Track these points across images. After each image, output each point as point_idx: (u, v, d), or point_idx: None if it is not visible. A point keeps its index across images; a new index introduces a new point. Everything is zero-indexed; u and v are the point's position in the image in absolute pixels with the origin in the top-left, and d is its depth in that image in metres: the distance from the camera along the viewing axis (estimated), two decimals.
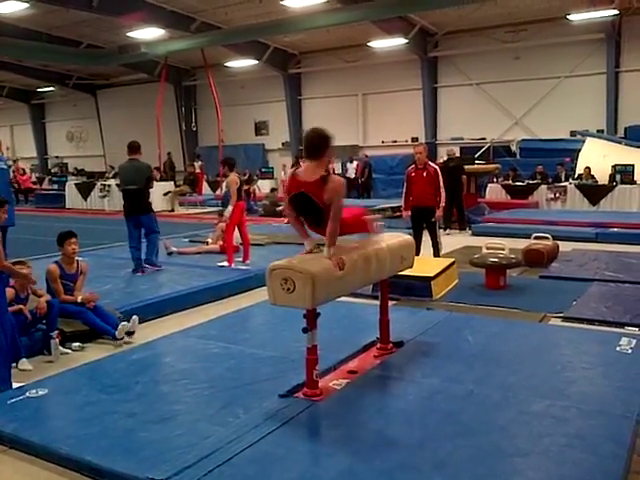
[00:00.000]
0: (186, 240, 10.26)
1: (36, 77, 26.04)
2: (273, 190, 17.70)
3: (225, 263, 7.87)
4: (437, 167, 8.31)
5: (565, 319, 5.80)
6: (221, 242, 9.20)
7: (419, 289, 6.58)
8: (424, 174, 8.03)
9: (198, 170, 20.83)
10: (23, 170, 23.37)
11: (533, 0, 16.23)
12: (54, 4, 16.42)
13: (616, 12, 15.96)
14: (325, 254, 3.76)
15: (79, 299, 5.32)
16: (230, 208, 7.78)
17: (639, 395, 3.75)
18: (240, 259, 8.10)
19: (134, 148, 7.81)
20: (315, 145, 3.74)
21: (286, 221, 7.52)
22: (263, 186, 19.93)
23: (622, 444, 3.12)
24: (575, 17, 16.27)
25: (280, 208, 15.47)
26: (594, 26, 17.15)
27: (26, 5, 15.89)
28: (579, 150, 15.77)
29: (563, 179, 15.47)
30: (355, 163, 19.55)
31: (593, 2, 15.44)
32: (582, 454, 3.06)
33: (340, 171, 19.62)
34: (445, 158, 13.11)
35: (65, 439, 3.31)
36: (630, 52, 17.64)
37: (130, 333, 5.36)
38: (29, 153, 31.24)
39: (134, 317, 5.42)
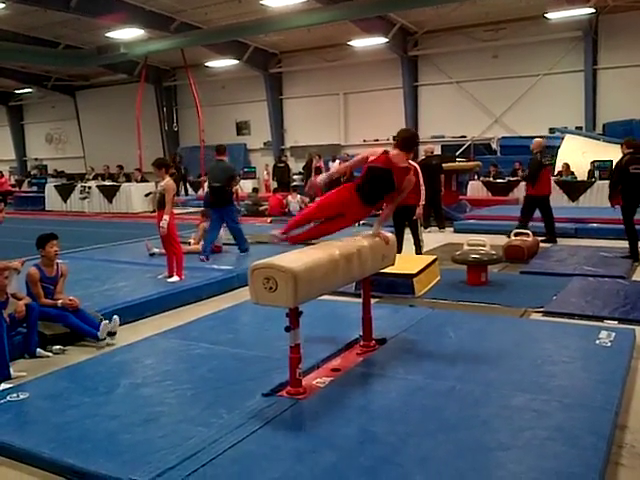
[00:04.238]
0: None
1: (14, 78, 25.71)
2: (255, 190, 17.64)
3: (175, 278, 7.12)
4: (417, 165, 8.35)
5: (546, 314, 5.87)
6: (203, 242, 9.18)
7: (401, 286, 6.61)
8: None
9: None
10: (1, 173, 23.08)
11: None
12: (31, 4, 16.24)
13: (593, 10, 16.19)
14: (375, 229, 4.49)
15: (59, 303, 5.26)
16: (167, 218, 6.98)
17: (618, 388, 3.80)
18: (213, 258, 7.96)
19: (221, 150, 8.96)
20: (413, 142, 4.62)
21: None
22: (245, 186, 19.86)
23: (602, 436, 3.16)
24: (553, 15, 16.47)
25: (263, 208, 15.44)
26: (572, 24, 17.35)
27: (2, 5, 15.72)
28: (558, 147, 15.93)
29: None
30: (337, 162, 19.57)
31: (570, 0, 15.61)
32: (562, 447, 3.10)
33: (324, 170, 19.63)
34: (424, 156, 13.14)
35: (47, 443, 3.28)
36: (607, 50, 17.86)
37: (112, 334, 5.32)
38: (7, 155, 30.87)
39: (115, 317, 5.38)
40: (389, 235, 4.60)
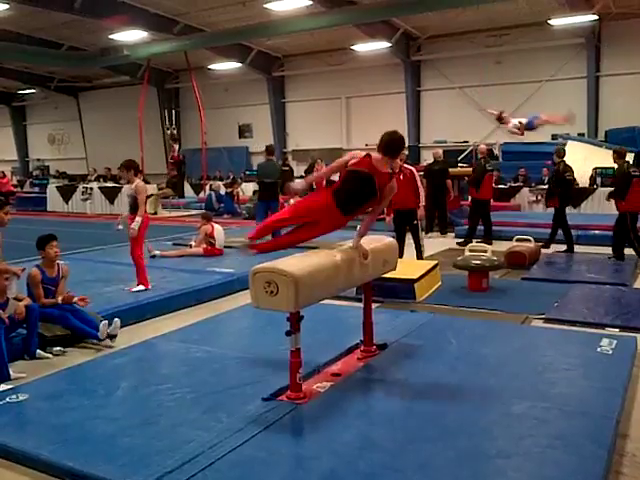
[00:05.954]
0: (169, 243, 10.19)
1: (17, 79, 25.79)
2: (256, 192, 17.58)
3: (141, 287, 6.71)
4: (413, 169, 8.42)
5: (547, 320, 5.85)
6: (205, 245, 9.17)
7: (403, 291, 6.60)
8: (400, 177, 8.07)
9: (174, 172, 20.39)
10: (3, 173, 23.11)
11: (514, 5, 16.38)
12: (35, 5, 16.28)
13: (596, 17, 16.21)
14: (354, 243, 4.13)
15: (59, 300, 5.26)
16: (139, 220, 6.62)
17: (620, 396, 3.78)
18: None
19: (270, 151, 10.76)
20: (397, 146, 4.12)
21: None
22: (247, 189, 19.86)
23: (603, 444, 3.14)
24: (556, 22, 16.51)
25: None
26: (575, 31, 17.39)
27: (6, 6, 15.76)
28: None
29: (546, 182, 15.60)
30: None
31: (574, 7, 15.63)
32: (563, 455, 3.08)
33: None
34: (431, 160, 13.16)
35: (45, 445, 3.26)
36: (610, 57, 17.88)
37: (112, 336, 5.29)
38: (10, 156, 30.91)
39: (116, 319, 5.36)
40: (368, 249, 4.19)
